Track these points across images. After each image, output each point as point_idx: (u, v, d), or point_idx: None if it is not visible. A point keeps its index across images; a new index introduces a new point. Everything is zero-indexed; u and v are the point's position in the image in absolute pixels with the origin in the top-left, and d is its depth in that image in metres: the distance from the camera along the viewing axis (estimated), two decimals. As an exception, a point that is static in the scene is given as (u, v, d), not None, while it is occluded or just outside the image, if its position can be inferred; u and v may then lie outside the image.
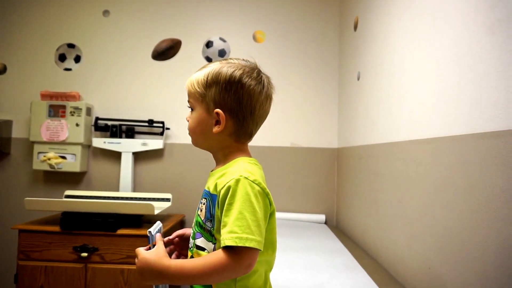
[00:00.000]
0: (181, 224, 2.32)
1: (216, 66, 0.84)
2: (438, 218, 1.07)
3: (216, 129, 0.83)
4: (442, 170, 1.06)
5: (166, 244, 0.87)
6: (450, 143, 1.02)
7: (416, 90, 1.27)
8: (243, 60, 0.87)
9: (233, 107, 0.82)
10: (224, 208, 0.74)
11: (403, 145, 1.36)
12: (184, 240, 0.94)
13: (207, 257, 0.74)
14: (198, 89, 0.83)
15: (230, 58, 0.88)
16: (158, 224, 0.90)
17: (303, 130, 2.43)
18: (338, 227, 2.29)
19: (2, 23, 2.45)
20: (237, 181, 0.74)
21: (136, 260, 0.79)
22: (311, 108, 2.44)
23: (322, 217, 2.32)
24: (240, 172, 0.76)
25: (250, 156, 0.88)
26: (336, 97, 2.44)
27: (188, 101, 0.88)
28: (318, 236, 1.89)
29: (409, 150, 1.30)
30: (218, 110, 0.82)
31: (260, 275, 0.80)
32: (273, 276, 0.87)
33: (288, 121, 2.43)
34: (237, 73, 0.82)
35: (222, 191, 0.75)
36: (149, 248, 0.81)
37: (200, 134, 0.87)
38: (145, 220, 2.03)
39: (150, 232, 0.82)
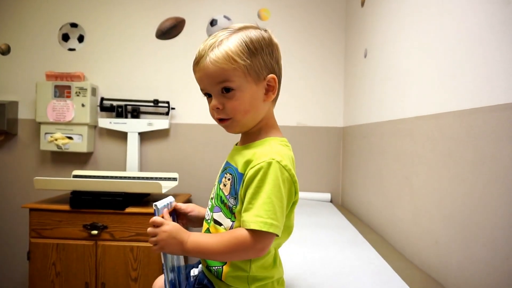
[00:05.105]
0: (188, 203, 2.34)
1: (238, 35, 0.76)
2: (446, 192, 1.08)
3: (270, 96, 0.80)
4: (450, 145, 1.06)
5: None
6: (459, 117, 1.02)
7: (423, 65, 1.25)
8: (247, 24, 0.81)
9: (275, 69, 0.81)
10: (252, 190, 0.72)
11: (410, 121, 1.35)
12: (188, 218, 0.93)
13: (224, 236, 0.73)
14: (242, 62, 0.75)
15: (236, 27, 0.79)
16: (168, 199, 0.90)
17: (309, 109, 2.42)
18: (343, 205, 2.30)
19: (5, 3, 2.43)
20: (269, 164, 0.72)
21: (151, 229, 0.75)
22: (317, 87, 2.42)
23: (327, 196, 2.33)
24: (272, 154, 0.74)
25: (281, 134, 0.85)
26: (342, 75, 2.42)
27: (224, 88, 0.76)
28: (324, 214, 1.91)
29: (416, 126, 1.29)
30: (273, 75, 0.79)
31: (271, 254, 0.81)
32: (282, 252, 0.88)
33: (294, 100, 2.41)
34: (266, 35, 0.79)
35: (251, 172, 0.73)
36: None
37: (252, 112, 0.79)
38: (152, 199, 2.06)
39: (156, 205, 0.81)
